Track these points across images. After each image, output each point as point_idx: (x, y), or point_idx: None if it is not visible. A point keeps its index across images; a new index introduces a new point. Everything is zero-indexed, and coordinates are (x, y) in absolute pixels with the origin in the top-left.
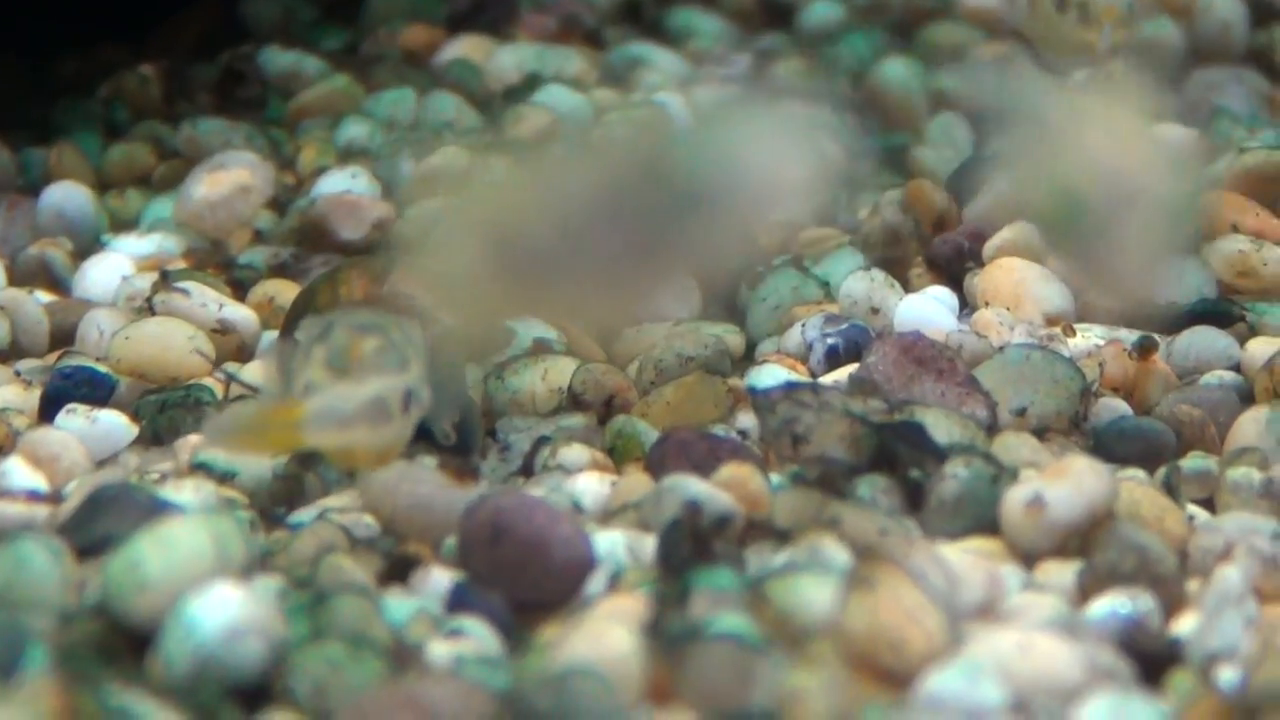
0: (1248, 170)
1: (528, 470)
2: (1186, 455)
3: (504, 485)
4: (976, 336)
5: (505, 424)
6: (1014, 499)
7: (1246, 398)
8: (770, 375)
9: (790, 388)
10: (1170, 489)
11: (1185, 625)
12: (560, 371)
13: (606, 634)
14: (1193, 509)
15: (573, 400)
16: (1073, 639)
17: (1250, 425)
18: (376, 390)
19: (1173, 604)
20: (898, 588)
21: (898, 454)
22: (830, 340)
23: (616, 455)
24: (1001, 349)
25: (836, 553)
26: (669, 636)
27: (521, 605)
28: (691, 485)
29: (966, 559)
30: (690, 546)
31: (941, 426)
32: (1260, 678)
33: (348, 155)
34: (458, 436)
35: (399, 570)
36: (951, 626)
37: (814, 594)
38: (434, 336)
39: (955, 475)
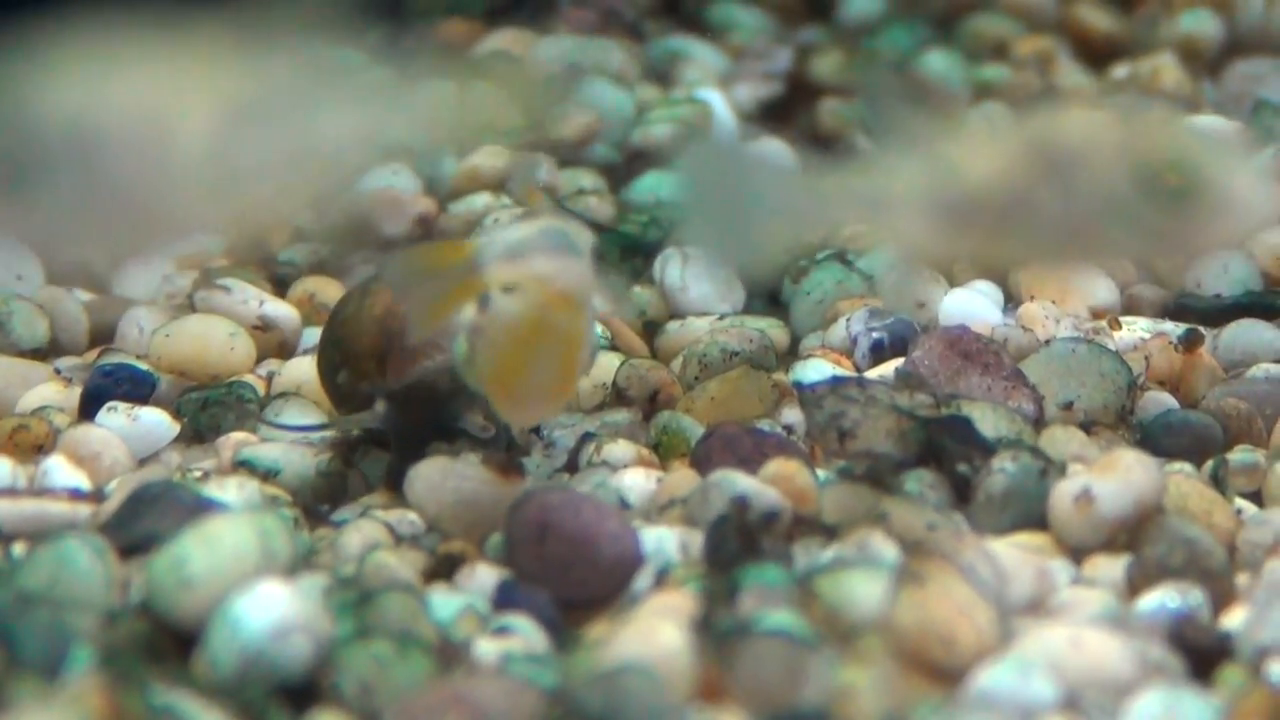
0: None
1: (573, 466)
2: (1233, 448)
3: (549, 482)
4: (1022, 330)
5: (549, 420)
6: (1062, 493)
7: None
8: (815, 370)
9: (836, 382)
10: (1218, 482)
11: (1235, 619)
12: (604, 367)
13: (656, 631)
14: (1240, 502)
15: (617, 396)
16: (1123, 634)
17: None
18: (551, 221)
19: (1222, 598)
20: (948, 583)
21: (945, 448)
22: (875, 334)
23: (662, 451)
24: (1047, 342)
25: (885, 548)
26: (719, 633)
27: (568, 602)
28: (738, 481)
29: (1015, 554)
30: (738, 542)
31: (988, 421)
32: None
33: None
34: (495, 431)
35: (444, 568)
36: (1002, 622)
37: (863, 589)
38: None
39: (1003, 469)
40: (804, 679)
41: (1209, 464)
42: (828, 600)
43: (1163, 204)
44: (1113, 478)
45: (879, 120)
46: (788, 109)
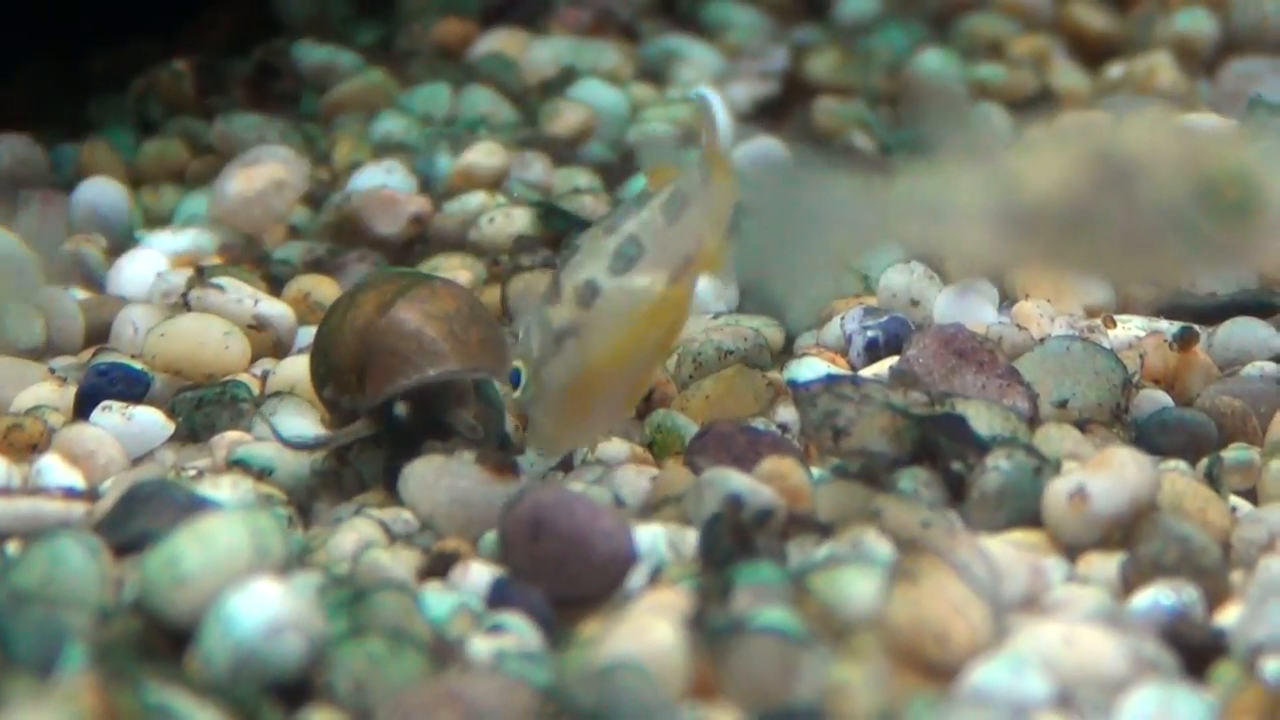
0: None
1: (567, 465)
2: (1228, 446)
3: (543, 480)
4: (1017, 328)
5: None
6: (1057, 491)
7: None
8: (810, 368)
9: (831, 381)
10: (1213, 480)
11: (1229, 616)
12: None
13: (649, 628)
14: (1235, 500)
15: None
16: (1117, 631)
17: None
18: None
19: (1216, 595)
20: (942, 580)
21: (939, 446)
22: (870, 333)
23: (656, 449)
24: (1042, 341)
25: (879, 546)
26: (712, 631)
27: (562, 600)
28: (732, 479)
29: (1009, 551)
30: (732, 540)
31: (983, 419)
32: None
33: (383, 150)
34: (486, 430)
35: (438, 566)
36: (996, 619)
37: (857, 587)
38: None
39: (997, 467)
40: (797, 676)
41: (1204, 462)
42: (821, 598)
43: (1222, 217)
44: (1107, 475)
45: (935, 131)
46: (783, 108)
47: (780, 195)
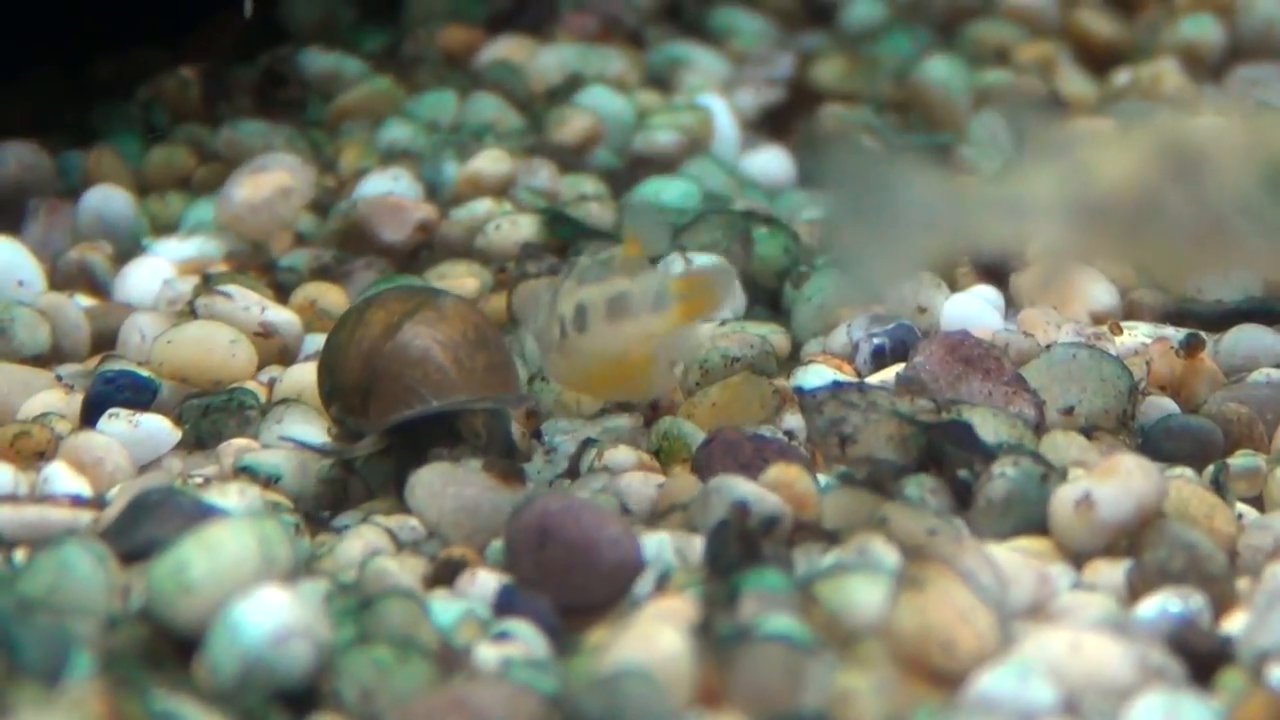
0: None
1: (574, 472)
2: (1235, 453)
3: (550, 488)
4: (1023, 335)
5: (551, 426)
6: (1063, 498)
7: None
8: (816, 375)
9: (837, 388)
10: (1219, 487)
11: (1236, 624)
12: None
13: (656, 636)
14: (1241, 507)
15: (618, 402)
16: (1123, 638)
17: None
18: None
19: (1223, 602)
20: (948, 588)
21: (945, 454)
22: (876, 340)
23: (663, 457)
24: (1048, 347)
25: (885, 553)
26: (719, 638)
27: (569, 608)
28: (739, 486)
29: (1016, 559)
30: (738, 548)
31: (989, 426)
32: None
33: (389, 157)
34: (491, 437)
35: (445, 574)
36: (1002, 626)
37: (864, 594)
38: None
39: (1004, 474)
40: (804, 684)
41: (1210, 469)
42: (828, 605)
43: None
44: (1113, 483)
45: (1013, 127)
46: (789, 115)
47: (866, 187)
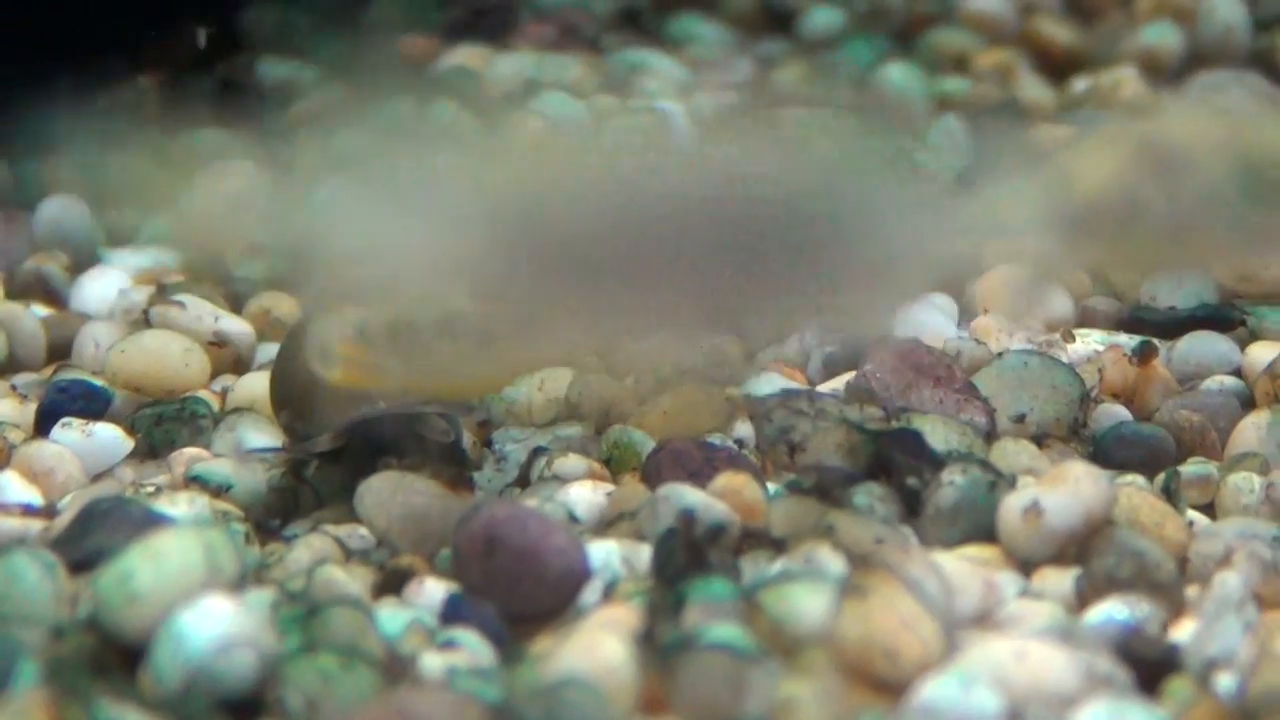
0: None
1: (524, 481)
2: (1187, 461)
3: (499, 496)
4: (975, 343)
5: (501, 435)
6: (1011, 506)
7: (1247, 403)
8: (768, 383)
9: (786, 395)
10: (1170, 495)
11: (1184, 631)
12: (557, 382)
13: (599, 644)
14: (1193, 514)
15: (570, 410)
16: (1069, 646)
17: (1251, 430)
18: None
19: (1172, 610)
20: (892, 596)
21: (894, 462)
22: (829, 348)
23: (613, 465)
24: (1000, 355)
25: (832, 561)
26: (662, 646)
27: (516, 616)
28: (686, 494)
29: (963, 567)
30: (685, 556)
31: (939, 434)
32: (1258, 684)
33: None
34: (443, 446)
35: (393, 582)
36: (947, 634)
37: (808, 603)
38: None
39: (952, 482)
40: (746, 692)
41: (1161, 476)
42: (772, 613)
43: (1267, 200)
44: (1062, 490)
45: (988, 143)
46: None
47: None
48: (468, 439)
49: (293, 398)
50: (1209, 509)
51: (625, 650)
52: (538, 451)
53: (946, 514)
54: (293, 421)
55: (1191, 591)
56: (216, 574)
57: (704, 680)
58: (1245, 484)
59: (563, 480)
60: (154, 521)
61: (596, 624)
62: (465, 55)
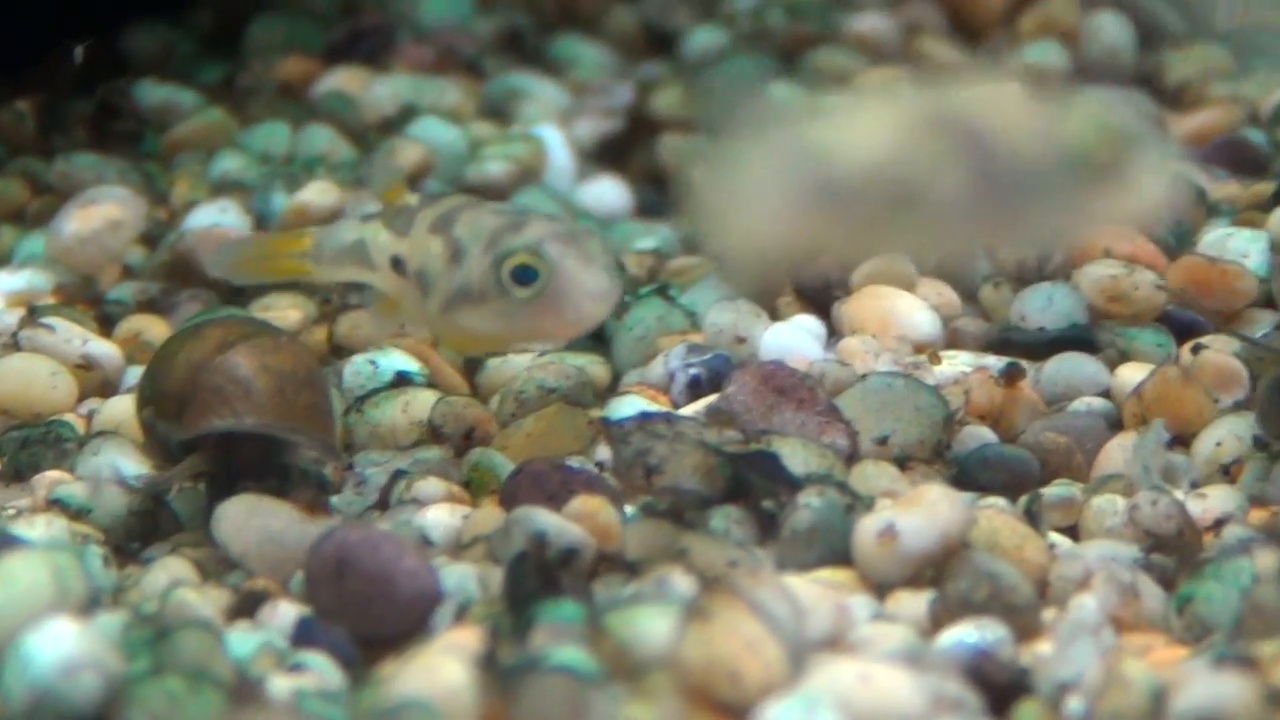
0: None
1: (384, 504)
2: (1051, 483)
3: (354, 519)
4: (840, 365)
5: (362, 458)
6: (866, 529)
7: (1115, 424)
8: (630, 406)
9: (644, 418)
10: (1031, 517)
11: (1038, 655)
12: (421, 404)
13: (440, 667)
14: (1055, 537)
15: (432, 433)
16: (917, 669)
17: (1117, 452)
18: (360, 234)
19: (1028, 633)
20: (736, 619)
21: (751, 484)
22: (692, 370)
23: (473, 488)
24: (864, 377)
25: (684, 584)
26: (503, 669)
27: (367, 639)
28: (539, 517)
29: (815, 589)
30: (536, 579)
31: (798, 456)
32: (1104, 707)
33: (221, 189)
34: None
35: (247, 605)
36: (792, 658)
37: (652, 626)
38: None
39: (808, 505)
40: (587, 716)
41: (1023, 499)
42: (616, 636)
43: (1087, 179)
44: (917, 513)
45: (721, 109)
46: (627, 145)
47: None
48: (328, 469)
49: (164, 396)
50: (1073, 531)
51: (466, 673)
52: (398, 474)
53: (803, 537)
54: (155, 420)
55: (1049, 614)
56: (65, 596)
57: (544, 703)
58: (1109, 506)
59: (421, 503)
60: (8, 544)
61: (440, 647)
62: (343, 78)
